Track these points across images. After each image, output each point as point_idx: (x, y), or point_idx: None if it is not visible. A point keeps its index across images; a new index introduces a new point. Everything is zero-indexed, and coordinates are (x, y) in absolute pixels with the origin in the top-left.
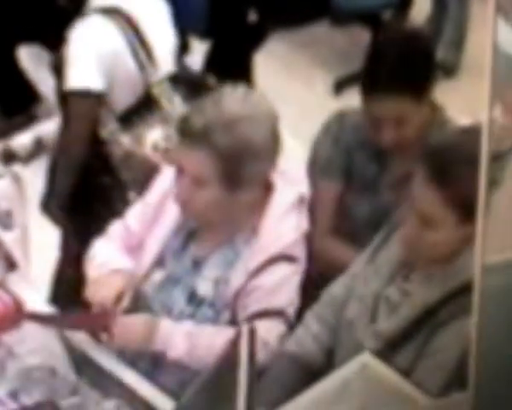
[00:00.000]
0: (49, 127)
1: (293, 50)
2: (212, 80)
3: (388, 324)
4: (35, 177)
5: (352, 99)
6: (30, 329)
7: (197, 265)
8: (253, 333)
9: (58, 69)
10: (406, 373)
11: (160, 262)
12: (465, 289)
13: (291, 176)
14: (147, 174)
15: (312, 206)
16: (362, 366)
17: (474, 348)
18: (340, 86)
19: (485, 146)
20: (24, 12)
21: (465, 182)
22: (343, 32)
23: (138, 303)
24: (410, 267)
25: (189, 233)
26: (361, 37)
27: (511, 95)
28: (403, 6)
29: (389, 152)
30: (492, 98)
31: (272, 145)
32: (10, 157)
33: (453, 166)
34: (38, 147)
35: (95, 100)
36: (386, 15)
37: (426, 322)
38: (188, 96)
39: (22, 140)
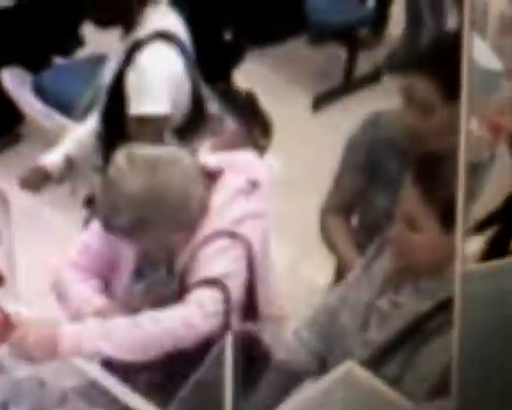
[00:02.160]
0: (74, 143)
1: (270, 69)
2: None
3: (378, 333)
4: (19, 196)
5: (331, 116)
6: None
7: (170, 271)
8: (239, 340)
9: (113, 91)
10: (393, 383)
11: (139, 274)
12: (451, 303)
13: (241, 165)
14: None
15: None
16: (345, 373)
17: (457, 354)
18: (318, 103)
19: (462, 157)
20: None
21: (449, 189)
22: (320, 50)
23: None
24: (401, 280)
25: None
26: (338, 54)
27: (487, 107)
28: (378, 23)
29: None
30: (469, 111)
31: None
32: (45, 178)
33: (439, 170)
34: (69, 166)
35: (163, 123)
36: (362, 33)
37: (414, 334)
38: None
39: (53, 159)
